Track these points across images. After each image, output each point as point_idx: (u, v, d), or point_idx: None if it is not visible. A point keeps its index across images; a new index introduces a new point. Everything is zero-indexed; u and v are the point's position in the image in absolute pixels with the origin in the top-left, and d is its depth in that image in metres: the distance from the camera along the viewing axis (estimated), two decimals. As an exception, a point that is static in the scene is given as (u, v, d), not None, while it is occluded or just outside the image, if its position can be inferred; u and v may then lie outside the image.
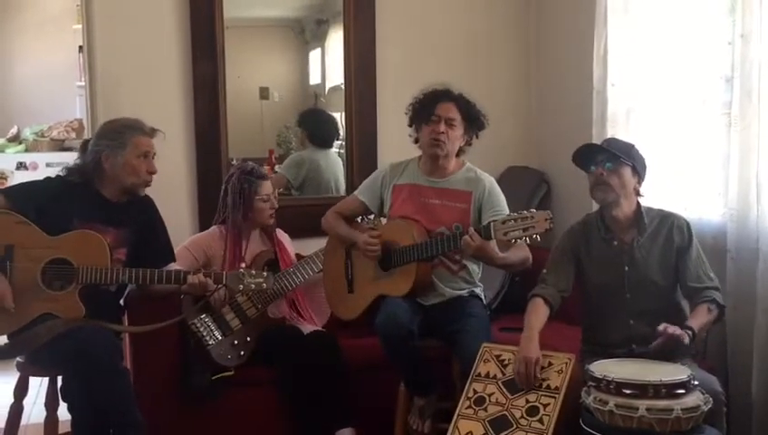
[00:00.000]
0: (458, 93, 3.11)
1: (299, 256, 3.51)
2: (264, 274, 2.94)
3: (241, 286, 2.93)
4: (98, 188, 2.98)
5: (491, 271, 3.27)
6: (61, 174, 3.05)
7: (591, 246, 2.85)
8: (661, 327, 2.54)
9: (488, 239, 2.80)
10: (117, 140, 2.96)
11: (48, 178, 3.07)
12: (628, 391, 2.35)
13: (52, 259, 2.81)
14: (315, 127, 4.21)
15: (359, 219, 3.34)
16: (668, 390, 2.33)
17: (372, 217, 3.32)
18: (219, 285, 2.97)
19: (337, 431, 3.06)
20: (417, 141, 3.18)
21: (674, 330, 2.53)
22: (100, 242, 2.84)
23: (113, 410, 2.72)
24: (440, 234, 3.02)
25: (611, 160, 2.74)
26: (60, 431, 2.96)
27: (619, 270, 2.78)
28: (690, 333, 2.55)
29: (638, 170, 2.79)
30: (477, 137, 3.17)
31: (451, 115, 3.06)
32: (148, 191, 3.10)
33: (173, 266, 3.06)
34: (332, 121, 4.21)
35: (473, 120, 3.11)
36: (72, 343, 2.68)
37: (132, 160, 2.94)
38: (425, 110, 3.10)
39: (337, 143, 4.21)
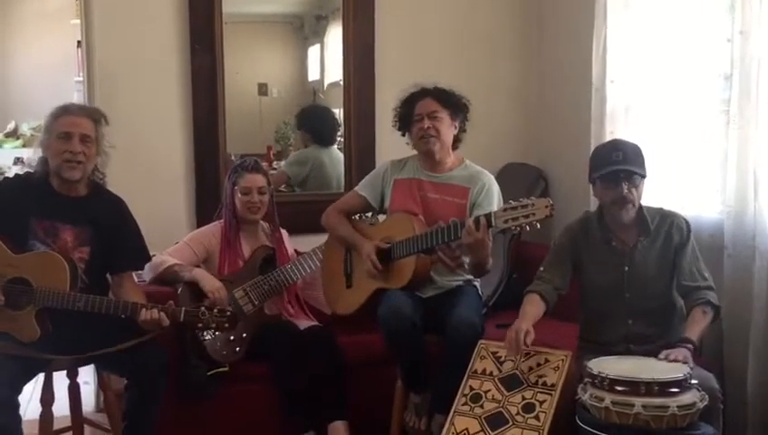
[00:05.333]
0: (432, 87, 3.13)
1: (298, 253, 3.50)
2: (228, 312, 2.73)
3: (200, 325, 2.77)
4: (51, 184, 2.85)
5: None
6: (20, 173, 2.96)
7: (590, 245, 2.83)
8: (662, 356, 2.53)
9: (488, 227, 2.77)
10: (47, 127, 2.84)
11: (6, 178, 3.00)
12: (624, 388, 2.35)
13: (12, 278, 2.72)
14: (316, 126, 4.20)
15: (357, 216, 3.33)
16: (665, 387, 2.33)
17: (370, 214, 3.32)
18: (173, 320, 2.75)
19: (329, 424, 3.06)
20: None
21: (675, 356, 2.50)
22: (61, 265, 2.72)
23: None
24: (439, 226, 3.01)
25: (633, 177, 2.69)
26: (54, 428, 2.95)
27: (618, 270, 2.77)
28: (690, 347, 2.53)
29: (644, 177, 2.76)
30: (468, 120, 3.17)
31: (432, 109, 3.08)
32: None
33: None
34: (331, 117, 4.20)
35: (455, 106, 3.12)
36: None
37: (53, 143, 2.78)
38: (406, 113, 3.16)
39: (339, 140, 4.21)
